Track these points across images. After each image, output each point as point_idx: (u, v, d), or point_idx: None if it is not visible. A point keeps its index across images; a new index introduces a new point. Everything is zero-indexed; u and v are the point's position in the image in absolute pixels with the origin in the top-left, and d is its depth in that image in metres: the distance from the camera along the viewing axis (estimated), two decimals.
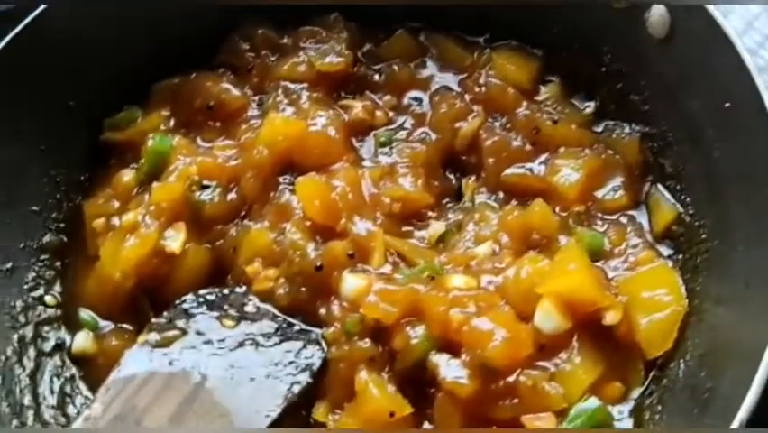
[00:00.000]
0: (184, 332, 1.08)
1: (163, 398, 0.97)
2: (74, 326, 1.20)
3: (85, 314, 1.20)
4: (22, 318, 1.17)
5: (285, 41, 1.34)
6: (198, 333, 1.09)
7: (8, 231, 1.21)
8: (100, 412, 0.95)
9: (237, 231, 1.19)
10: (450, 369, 1.00)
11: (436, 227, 1.19)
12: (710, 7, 1.01)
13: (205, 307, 1.13)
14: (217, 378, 1.02)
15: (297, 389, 1.02)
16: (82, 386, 1.16)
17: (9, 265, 1.19)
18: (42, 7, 1.20)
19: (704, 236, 1.05)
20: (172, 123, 1.32)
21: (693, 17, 1.03)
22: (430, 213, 1.20)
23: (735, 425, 0.74)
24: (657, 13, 1.09)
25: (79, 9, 1.22)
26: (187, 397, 0.98)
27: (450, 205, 1.23)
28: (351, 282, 1.07)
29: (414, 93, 1.31)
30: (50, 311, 1.21)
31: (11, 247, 1.20)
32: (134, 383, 0.99)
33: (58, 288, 1.23)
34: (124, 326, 1.19)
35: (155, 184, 1.19)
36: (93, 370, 1.17)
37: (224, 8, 1.33)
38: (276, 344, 1.07)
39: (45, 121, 1.25)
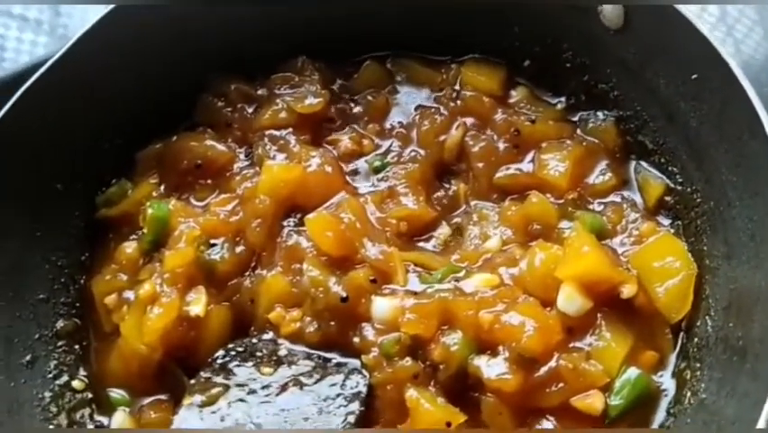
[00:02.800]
0: (226, 387, 1.09)
1: None
2: (108, 406, 1.19)
3: (115, 393, 1.20)
4: (53, 408, 1.16)
5: (260, 91, 1.37)
6: (240, 385, 1.10)
7: (21, 323, 1.19)
8: None
9: (251, 282, 1.20)
10: (491, 368, 1.05)
11: (443, 230, 1.25)
12: None
13: (238, 359, 1.14)
14: (271, 424, 1.03)
15: (352, 419, 1.04)
16: None
17: (29, 357, 1.18)
18: (16, 96, 1.20)
19: (699, 200, 1.12)
20: (163, 188, 1.33)
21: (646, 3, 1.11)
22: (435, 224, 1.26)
23: None
24: (610, 6, 1.17)
25: (53, 92, 1.22)
26: None
27: (450, 211, 1.28)
28: (382, 305, 1.10)
29: (394, 116, 1.36)
30: (80, 396, 1.20)
31: (27, 339, 1.19)
32: None
33: (82, 371, 1.22)
34: (160, 397, 1.18)
35: (167, 252, 1.19)
36: None
37: (192, 69, 1.36)
38: (318, 380, 1.09)
39: (37, 207, 1.25)
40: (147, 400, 1.19)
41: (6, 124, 1.17)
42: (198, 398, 1.07)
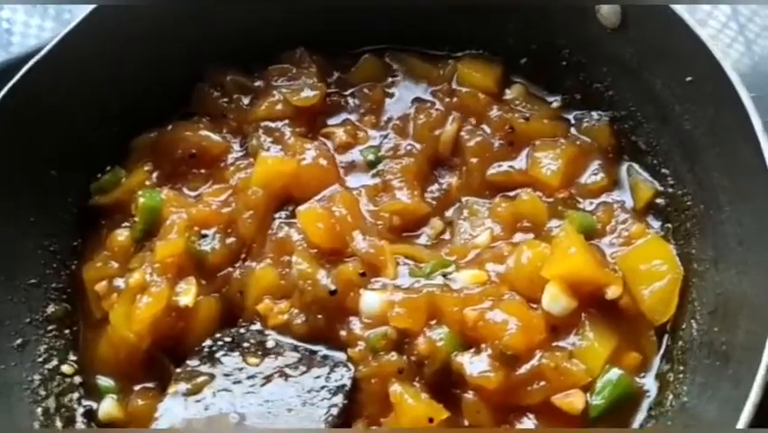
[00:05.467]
0: (212, 376, 1.10)
1: None
2: (96, 391, 1.20)
3: (103, 381, 1.20)
4: (42, 391, 1.17)
5: (256, 83, 1.37)
6: (226, 375, 1.10)
7: (12, 307, 1.20)
8: None
9: (241, 273, 1.21)
10: (474, 365, 1.05)
11: (435, 225, 1.25)
12: None
13: (225, 349, 1.14)
14: (255, 414, 1.04)
15: (335, 411, 1.05)
16: None
17: (19, 341, 1.19)
18: (12, 82, 1.20)
19: (689, 203, 1.12)
20: (156, 176, 1.34)
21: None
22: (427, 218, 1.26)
23: (761, 369, 0.80)
24: (607, 5, 1.17)
25: (49, 79, 1.22)
26: None
27: (443, 205, 1.27)
28: (372, 299, 1.11)
29: (390, 110, 1.36)
30: (69, 380, 1.21)
31: (17, 323, 1.20)
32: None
33: (72, 356, 1.23)
34: (147, 385, 1.19)
35: (158, 242, 1.20)
36: None
37: (188, 58, 1.36)
38: (303, 372, 1.10)
39: (31, 193, 1.25)
40: (135, 388, 1.20)
41: (2, 110, 1.18)
42: (183, 386, 1.08)
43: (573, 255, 1.07)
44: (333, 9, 1.37)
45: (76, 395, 1.20)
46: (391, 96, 1.38)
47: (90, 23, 1.24)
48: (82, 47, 1.24)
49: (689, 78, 1.07)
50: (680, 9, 1.05)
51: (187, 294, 1.17)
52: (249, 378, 1.10)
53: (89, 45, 1.24)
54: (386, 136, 1.34)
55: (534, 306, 1.08)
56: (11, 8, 1.71)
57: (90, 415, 1.19)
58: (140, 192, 1.27)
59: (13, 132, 1.20)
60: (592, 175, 1.24)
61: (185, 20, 1.32)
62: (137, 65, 1.32)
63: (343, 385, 1.07)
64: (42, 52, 1.22)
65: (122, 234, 1.27)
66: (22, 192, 1.24)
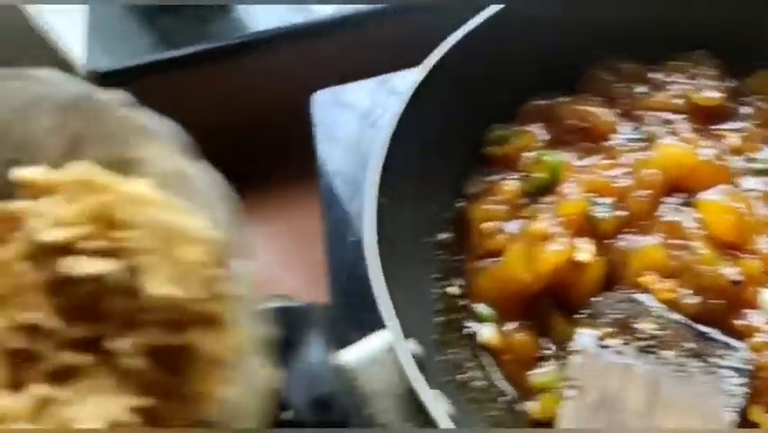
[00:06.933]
0: (614, 328, 1.19)
1: (629, 387, 1.08)
2: (476, 317, 1.33)
3: (483, 309, 1.32)
4: (438, 306, 1.32)
5: (650, 75, 1.46)
6: (623, 331, 1.19)
7: (416, 228, 1.35)
8: (577, 396, 1.07)
9: (627, 245, 1.29)
10: None
11: None
12: None
13: (617, 309, 1.23)
14: (663, 373, 1.12)
15: (742, 390, 1.11)
16: (496, 375, 1.29)
17: (421, 257, 1.34)
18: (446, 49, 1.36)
19: None
20: (543, 140, 1.45)
21: None
22: None
23: None
24: None
25: (481, 49, 1.38)
26: (648, 388, 1.08)
27: None
28: None
29: None
30: (456, 301, 1.34)
31: (418, 242, 1.35)
32: (596, 371, 1.11)
33: (458, 281, 1.37)
34: (526, 322, 1.30)
35: (562, 200, 1.31)
36: (501, 360, 1.29)
37: (583, 44, 1.46)
38: (701, 346, 1.16)
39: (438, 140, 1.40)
40: (512, 323, 1.31)
41: (444, 64, 1.34)
42: (591, 331, 1.18)
43: None
44: (738, 20, 1.43)
45: (461, 315, 1.33)
46: None
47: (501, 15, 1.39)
48: (494, 34, 1.39)
49: None
50: None
51: (585, 252, 1.27)
52: (646, 339, 1.17)
53: (500, 34, 1.39)
54: None
55: None
56: None
57: (471, 337, 1.32)
58: (542, 152, 1.40)
59: (437, 95, 1.35)
60: None
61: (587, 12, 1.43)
62: (541, 45, 1.44)
63: (745, 370, 1.13)
64: (471, 25, 1.37)
65: (513, 185, 1.40)
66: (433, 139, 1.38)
